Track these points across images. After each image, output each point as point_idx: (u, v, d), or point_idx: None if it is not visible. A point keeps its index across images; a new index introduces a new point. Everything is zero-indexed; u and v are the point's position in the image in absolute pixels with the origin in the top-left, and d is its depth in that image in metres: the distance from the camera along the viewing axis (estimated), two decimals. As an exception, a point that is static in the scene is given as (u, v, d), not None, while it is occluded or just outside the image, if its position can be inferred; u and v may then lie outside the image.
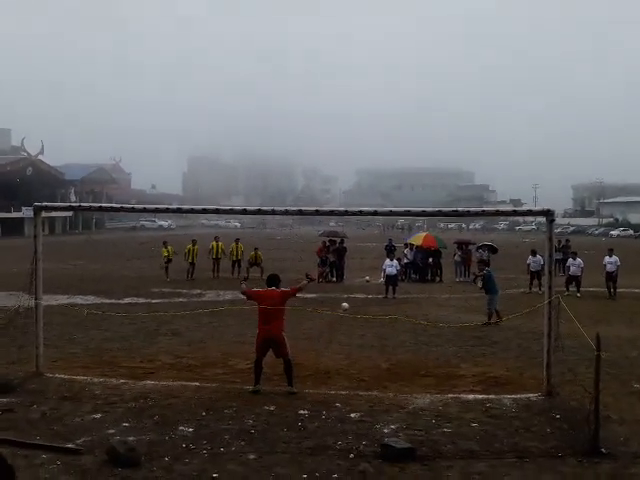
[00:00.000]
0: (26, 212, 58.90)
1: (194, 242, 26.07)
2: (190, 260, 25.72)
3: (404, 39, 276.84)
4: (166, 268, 25.52)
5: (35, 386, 9.61)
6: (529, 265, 23.06)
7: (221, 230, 65.06)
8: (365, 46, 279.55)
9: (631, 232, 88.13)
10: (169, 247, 25.94)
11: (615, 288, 21.46)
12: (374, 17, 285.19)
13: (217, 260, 26.47)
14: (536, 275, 22.28)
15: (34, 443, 7.17)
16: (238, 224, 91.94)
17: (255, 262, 26.42)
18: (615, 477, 6.62)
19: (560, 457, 7.09)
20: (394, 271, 21.37)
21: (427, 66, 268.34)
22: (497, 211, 11.83)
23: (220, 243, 26.60)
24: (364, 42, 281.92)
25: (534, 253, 22.89)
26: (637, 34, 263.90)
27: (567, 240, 28.47)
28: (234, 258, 26.49)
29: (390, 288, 21.07)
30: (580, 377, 9.28)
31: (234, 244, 26.72)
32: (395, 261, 22.12)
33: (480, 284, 16.80)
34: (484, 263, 17.20)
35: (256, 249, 26.82)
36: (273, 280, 9.92)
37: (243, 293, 9.97)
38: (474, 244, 29.11)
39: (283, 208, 10.90)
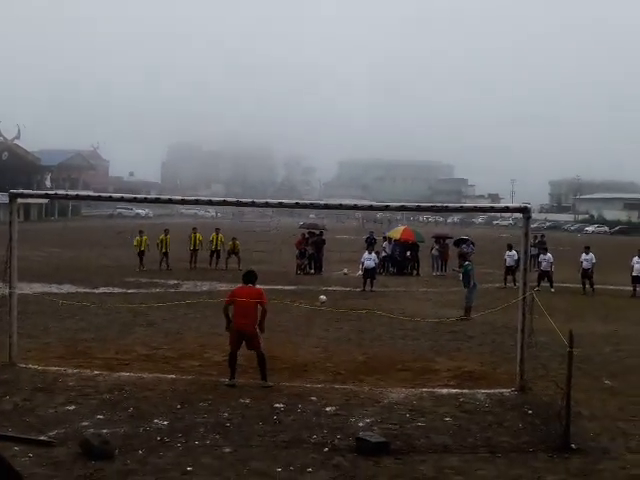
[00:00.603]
0: (1, 198, 57.96)
1: (166, 232, 25.82)
2: (163, 250, 25.50)
3: (388, 30, 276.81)
4: (140, 258, 25.25)
5: (8, 376, 9.49)
6: (505, 260, 23.33)
7: (199, 220, 64.74)
8: (349, 36, 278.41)
9: (606, 229, 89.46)
10: (144, 237, 25.60)
11: (592, 284, 21.81)
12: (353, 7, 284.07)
13: (195, 251, 26.28)
14: (510, 270, 22.53)
15: (6, 435, 7.09)
16: (215, 213, 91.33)
17: (233, 251, 26.39)
18: (585, 472, 6.74)
19: (531, 452, 7.20)
20: (372, 264, 21.48)
21: (409, 58, 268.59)
22: (475, 207, 11.96)
23: (198, 234, 26.41)
24: (347, 33, 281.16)
25: (510, 248, 23.15)
26: (618, 31, 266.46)
27: (542, 236, 28.81)
28: (213, 248, 26.38)
29: (368, 281, 21.17)
30: (553, 373, 9.41)
31: (214, 234, 26.59)
32: (374, 254, 22.24)
33: (460, 277, 17.00)
34: (463, 257, 17.35)
35: (234, 239, 26.75)
36: (250, 276, 9.91)
37: (225, 310, 9.74)
38: (451, 238, 29.34)
39: (263, 200, 10.89)
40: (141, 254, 25.23)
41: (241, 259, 26.28)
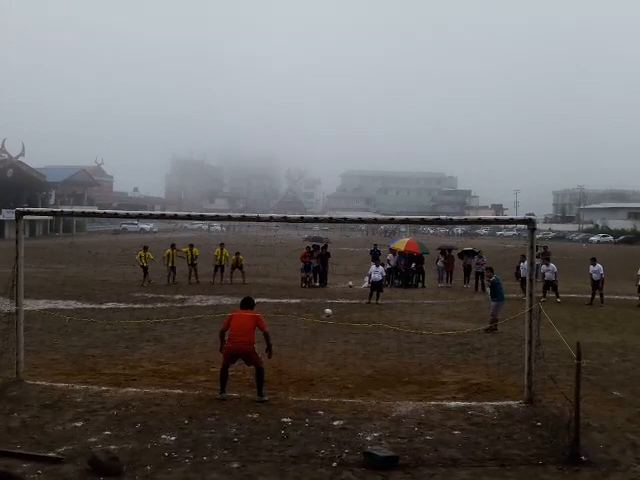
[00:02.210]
0: (6, 214, 58.20)
1: (173, 246, 25.84)
2: (170, 264, 25.55)
3: (396, 43, 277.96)
4: (144, 273, 25.30)
5: (15, 393, 9.50)
6: (520, 271, 23.05)
7: (204, 234, 64.70)
8: (355, 49, 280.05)
9: (611, 238, 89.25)
10: (148, 252, 25.57)
11: (602, 295, 21.70)
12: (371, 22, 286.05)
13: (193, 266, 26.19)
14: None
15: (14, 452, 7.10)
16: (220, 228, 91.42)
17: (236, 266, 26.42)
18: (595, 485, 6.70)
19: (541, 465, 7.16)
20: (379, 277, 21.47)
21: (411, 72, 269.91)
22: (479, 219, 11.90)
23: (194, 249, 26.32)
24: (354, 45, 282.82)
25: (524, 259, 22.88)
26: (618, 39, 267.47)
27: (545, 247, 28.70)
28: (217, 263, 26.41)
29: (374, 294, 21.15)
30: (560, 384, 9.37)
31: (218, 249, 26.61)
32: (381, 267, 22.20)
33: (488, 291, 17.01)
34: (491, 270, 17.34)
35: (237, 253, 26.77)
36: (248, 303, 9.96)
37: (221, 334, 9.76)
38: (457, 249, 29.32)
39: (268, 215, 10.89)
40: (145, 269, 25.27)
41: (245, 273, 26.34)
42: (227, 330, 9.61)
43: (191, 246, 26.36)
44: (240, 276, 26.14)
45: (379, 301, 21.02)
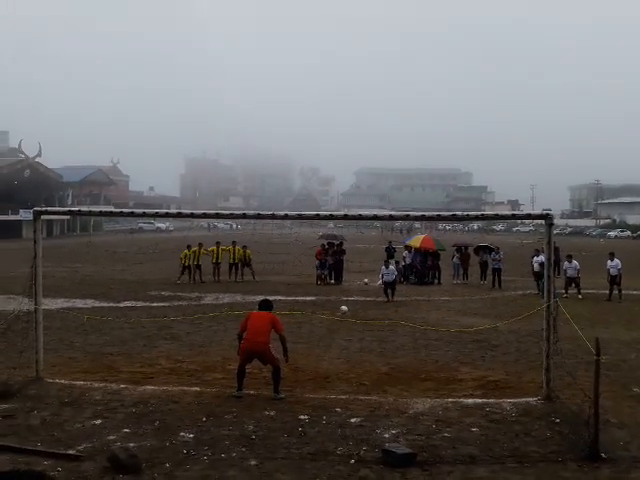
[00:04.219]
0: (24, 215, 58.78)
1: (200, 245, 26.08)
2: (195, 263, 25.69)
3: (412, 40, 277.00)
4: (188, 272, 25.51)
5: (35, 391, 9.60)
6: (534, 266, 22.98)
7: (219, 232, 65.01)
8: (370, 46, 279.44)
9: (629, 233, 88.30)
10: (191, 250, 25.61)
11: (620, 291, 21.47)
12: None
13: (217, 264, 26.42)
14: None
15: (35, 449, 7.17)
16: (236, 226, 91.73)
17: (243, 261, 26.43)
18: (615, 482, 6.63)
19: (560, 462, 7.10)
20: (392, 278, 21.28)
21: (425, 69, 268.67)
22: (496, 215, 11.84)
23: (202, 249, 26.39)
24: (368, 41, 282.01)
25: (537, 253, 22.73)
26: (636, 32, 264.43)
27: (554, 243, 28.30)
28: (231, 261, 26.51)
29: (389, 291, 21.11)
30: (579, 380, 9.28)
31: (231, 247, 26.71)
32: (392, 267, 21.84)
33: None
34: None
35: (244, 247, 26.82)
36: (266, 305, 10.01)
37: (239, 335, 9.79)
38: (472, 246, 29.17)
39: (283, 212, 10.87)
40: (186, 268, 25.51)
41: (254, 271, 26.37)
42: (244, 331, 9.64)
43: (200, 245, 26.48)
44: (250, 274, 26.20)
45: (394, 298, 20.95)
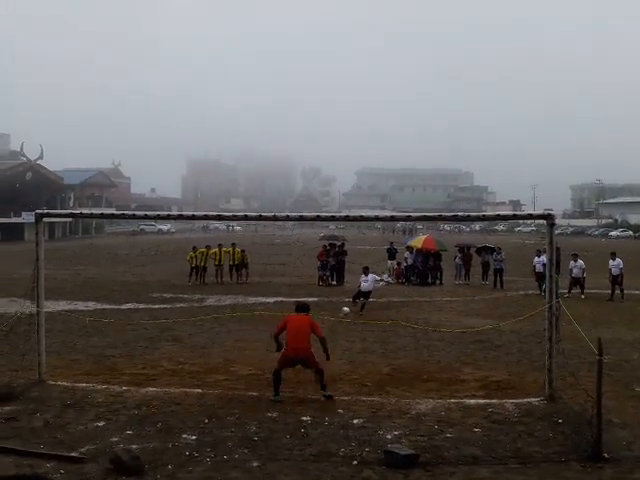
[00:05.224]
0: (26, 217, 58.83)
1: (208, 247, 26.37)
2: (217, 262, 25.97)
3: (412, 39, 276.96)
4: (195, 273, 25.75)
5: (38, 394, 9.61)
6: (535, 266, 22.84)
7: (220, 234, 64.94)
8: (370, 45, 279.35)
9: (630, 233, 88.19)
10: (198, 250, 25.90)
11: (622, 290, 21.43)
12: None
13: (220, 266, 26.44)
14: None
15: (37, 452, 7.18)
16: (238, 227, 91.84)
17: (242, 264, 26.48)
18: (619, 482, 6.62)
19: (563, 462, 7.09)
20: (370, 287, 19.27)
21: (426, 66, 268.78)
22: (498, 215, 11.83)
23: (203, 250, 26.40)
24: (368, 41, 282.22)
25: (539, 253, 22.61)
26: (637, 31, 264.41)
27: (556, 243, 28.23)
28: (231, 262, 26.56)
29: (360, 300, 19.05)
30: (582, 381, 9.27)
31: (230, 248, 26.76)
32: (371, 275, 19.64)
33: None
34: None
35: (242, 250, 26.89)
36: (303, 308, 10.06)
37: (276, 336, 9.85)
38: (474, 246, 29.15)
39: (284, 214, 10.88)
40: (196, 269, 25.72)
41: (250, 274, 26.46)
42: (281, 333, 9.68)
43: (220, 246, 26.74)
44: (245, 275, 26.31)
45: (361, 311, 18.38)
